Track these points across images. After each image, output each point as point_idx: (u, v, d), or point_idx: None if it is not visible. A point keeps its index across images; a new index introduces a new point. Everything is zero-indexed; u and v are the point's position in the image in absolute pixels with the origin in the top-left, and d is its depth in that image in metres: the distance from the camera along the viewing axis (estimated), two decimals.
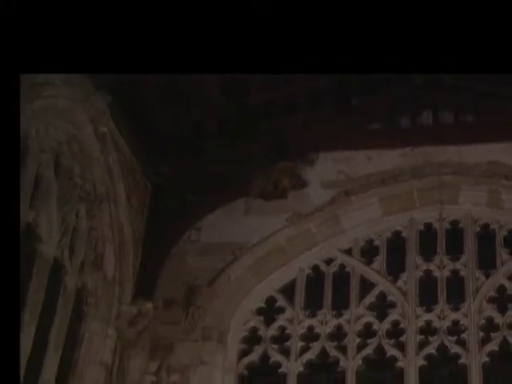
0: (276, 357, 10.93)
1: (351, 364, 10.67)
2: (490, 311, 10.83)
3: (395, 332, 10.93)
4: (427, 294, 11.26)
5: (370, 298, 11.23)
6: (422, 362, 10.57)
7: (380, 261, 11.55)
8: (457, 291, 11.25)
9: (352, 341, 10.88)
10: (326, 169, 12.24)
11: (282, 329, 11.21)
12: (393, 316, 11.02)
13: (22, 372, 9.10)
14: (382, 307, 11.29)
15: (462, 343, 10.61)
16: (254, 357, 11.04)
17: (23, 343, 9.08)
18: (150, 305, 11.15)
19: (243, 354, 11.15)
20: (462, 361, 10.45)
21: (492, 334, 10.63)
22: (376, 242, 11.75)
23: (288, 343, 11.04)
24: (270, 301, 11.52)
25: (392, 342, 10.77)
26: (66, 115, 10.13)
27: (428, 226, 11.83)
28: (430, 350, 10.65)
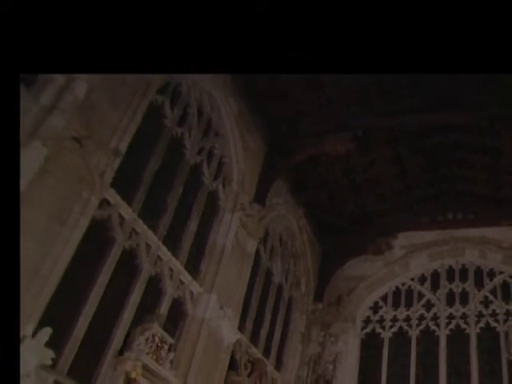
0: (378, 330, 17.43)
1: (414, 333, 17.00)
2: (480, 308, 16.87)
3: (435, 318, 17.01)
4: (450, 299, 17.20)
5: (423, 302, 17.40)
6: (447, 333, 16.64)
7: (428, 284, 17.69)
8: (464, 298, 17.18)
9: (414, 322, 17.09)
10: (402, 240, 18.41)
11: (381, 316, 17.60)
12: (433, 310, 17.16)
13: (263, 340, 15.44)
14: (428, 306, 17.32)
15: (467, 323, 16.65)
16: (368, 329, 17.60)
17: (265, 324, 15.52)
18: (320, 305, 17.67)
19: (363, 328, 17.61)
20: (466, 332, 16.55)
21: (481, 319, 16.64)
22: (425, 275, 17.90)
23: (384, 323, 17.43)
24: (376, 303, 17.91)
25: (433, 322, 16.95)
26: (285, 218, 17.04)
27: (450, 267, 17.90)
28: (452, 326, 16.75)
